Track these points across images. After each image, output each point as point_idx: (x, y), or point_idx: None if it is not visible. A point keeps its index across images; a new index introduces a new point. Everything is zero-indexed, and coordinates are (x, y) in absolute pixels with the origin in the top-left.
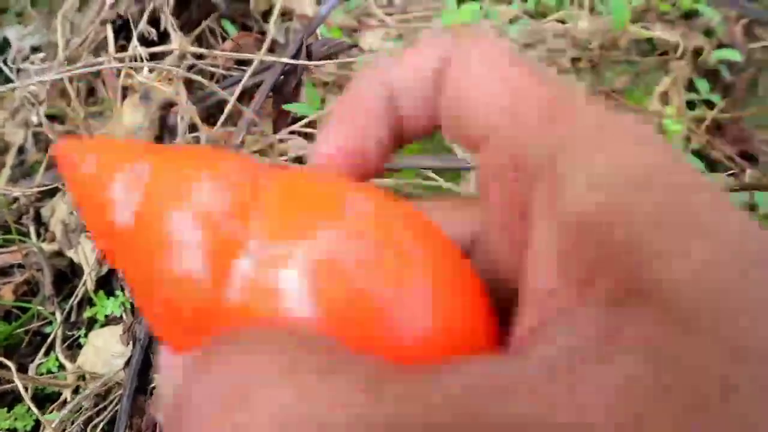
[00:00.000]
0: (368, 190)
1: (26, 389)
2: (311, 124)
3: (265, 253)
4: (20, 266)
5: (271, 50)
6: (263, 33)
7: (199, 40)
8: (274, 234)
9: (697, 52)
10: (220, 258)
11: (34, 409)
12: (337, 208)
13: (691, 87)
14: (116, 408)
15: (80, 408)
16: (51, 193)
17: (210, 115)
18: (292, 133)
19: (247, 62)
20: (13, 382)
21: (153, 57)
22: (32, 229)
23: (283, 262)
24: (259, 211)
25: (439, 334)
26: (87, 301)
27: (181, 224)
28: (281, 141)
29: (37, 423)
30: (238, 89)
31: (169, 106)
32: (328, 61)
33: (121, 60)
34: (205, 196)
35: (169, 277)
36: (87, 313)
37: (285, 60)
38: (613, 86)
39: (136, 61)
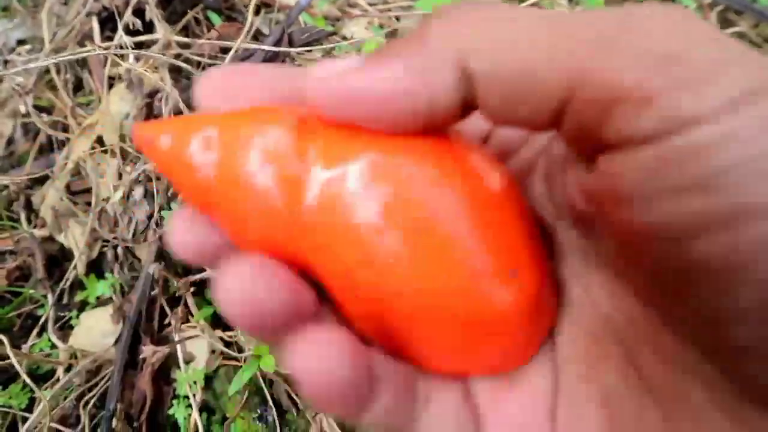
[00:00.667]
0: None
1: (21, 367)
2: None
3: (324, 174)
4: (12, 252)
5: (255, 39)
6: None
7: (186, 31)
8: (329, 160)
9: None
10: (290, 183)
11: (30, 383)
12: (372, 136)
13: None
14: (107, 384)
15: (72, 385)
16: (41, 180)
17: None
18: None
19: (227, 51)
20: (7, 358)
21: (138, 47)
22: (23, 216)
23: (340, 177)
24: (313, 146)
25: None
26: (78, 285)
27: (255, 166)
28: None
29: (32, 401)
30: None
31: (155, 94)
32: (308, 48)
33: (107, 49)
34: (270, 141)
35: (254, 207)
36: (79, 297)
37: (266, 47)
38: None
39: (121, 49)
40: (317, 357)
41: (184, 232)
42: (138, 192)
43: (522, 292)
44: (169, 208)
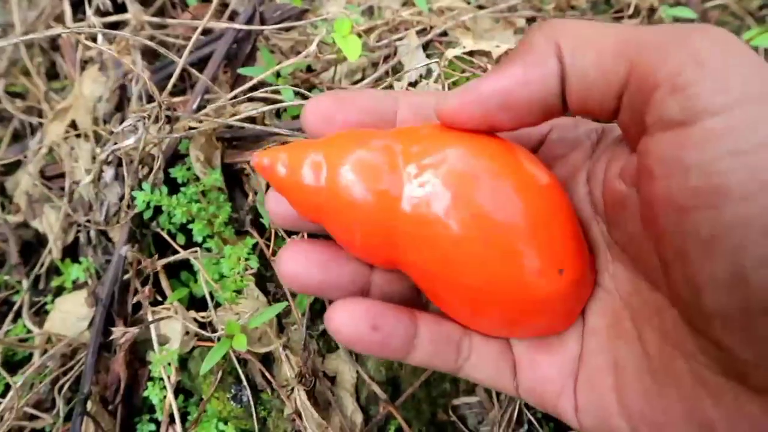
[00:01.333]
0: (468, 133)
1: None
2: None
3: (415, 181)
4: None
5: (231, 19)
6: (226, 5)
7: (162, 14)
8: (416, 174)
9: (652, 10)
10: (384, 196)
11: (1, 371)
12: (452, 149)
13: None
14: (82, 368)
15: (47, 370)
16: (15, 166)
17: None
18: (249, 96)
19: (207, 33)
20: None
21: (111, 29)
22: None
23: (428, 181)
24: (402, 163)
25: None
26: (54, 271)
27: (355, 183)
28: (234, 104)
29: (7, 388)
30: (186, 52)
31: (128, 77)
32: (278, 26)
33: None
34: (366, 161)
35: (357, 218)
36: (55, 282)
37: (237, 26)
38: None
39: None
40: (339, 321)
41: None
42: (109, 173)
43: (566, 284)
44: (140, 189)
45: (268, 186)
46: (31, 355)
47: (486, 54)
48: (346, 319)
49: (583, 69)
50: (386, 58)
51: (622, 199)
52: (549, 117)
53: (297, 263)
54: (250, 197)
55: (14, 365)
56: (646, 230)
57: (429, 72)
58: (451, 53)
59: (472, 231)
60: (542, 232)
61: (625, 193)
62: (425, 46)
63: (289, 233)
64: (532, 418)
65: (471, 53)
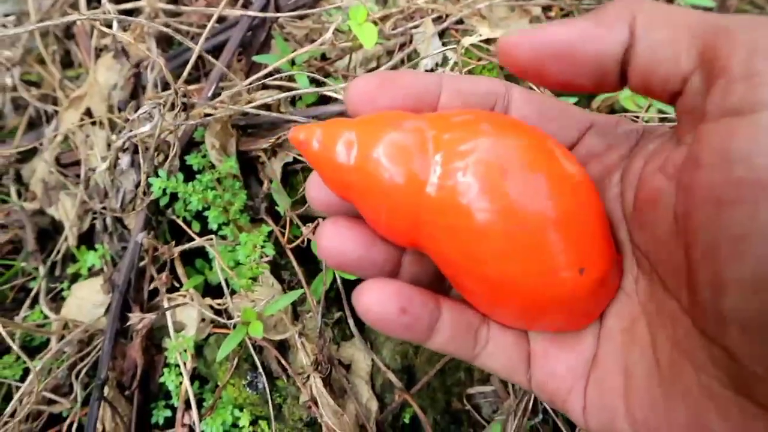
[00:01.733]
0: (502, 121)
1: (13, 339)
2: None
3: (444, 168)
4: (3, 226)
5: (245, 7)
6: None
7: (176, 1)
8: (444, 159)
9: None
10: (413, 177)
11: (20, 352)
12: (483, 138)
13: None
14: (99, 353)
15: (65, 355)
16: (31, 154)
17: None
18: (264, 84)
19: (222, 21)
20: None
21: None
22: (13, 190)
23: (456, 169)
24: (432, 146)
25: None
26: (70, 258)
27: (385, 163)
28: (249, 92)
29: (26, 372)
30: (202, 38)
31: (142, 63)
32: (293, 13)
33: (93, 18)
34: (397, 142)
35: (385, 197)
36: (71, 269)
37: (251, 13)
38: None
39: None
40: (368, 301)
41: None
42: (125, 160)
43: (588, 283)
44: (156, 176)
45: (283, 174)
46: (48, 340)
47: None
48: (375, 300)
49: (655, 44)
50: (402, 46)
51: (656, 195)
52: (600, 86)
53: (336, 239)
54: (265, 185)
55: (32, 350)
56: (678, 225)
57: (445, 60)
58: (467, 41)
59: (496, 223)
60: (568, 229)
61: (661, 188)
62: (441, 34)
63: (305, 222)
64: (548, 408)
65: (488, 41)
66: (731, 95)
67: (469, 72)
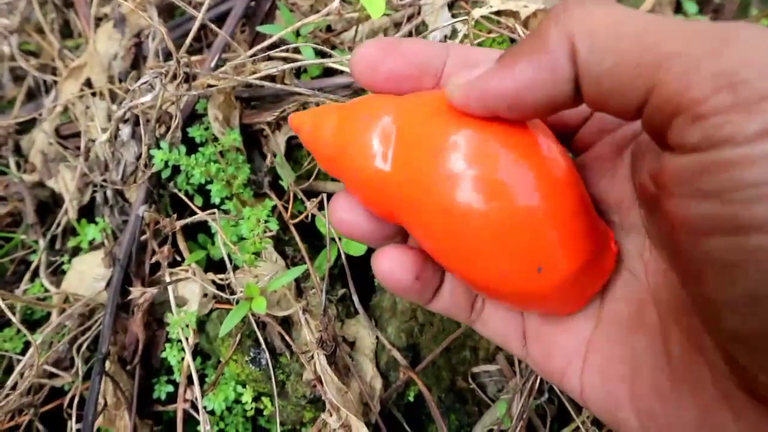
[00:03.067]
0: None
1: (13, 314)
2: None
3: (421, 151)
4: (2, 198)
5: None
6: None
7: None
8: (425, 140)
9: None
10: (390, 157)
11: (20, 326)
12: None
13: (678, 8)
14: (100, 328)
15: (66, 329)
16: (30, 124)
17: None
18: (268, 55)
19: None
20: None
21: None
22: (12, 161)
23: (434, 155)
24: (410, 128)
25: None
26: (71, 231)
27: (371, 142)
28: (253, 63)
29: (27, 345)
30: (204, 6)
31: (143, 33)
32: None
33: None
34: (374, 123)
35: (354, 174)
36: (71, 243)
37: None
38: None
39: None
40: (389, 267)
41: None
42: (125, 132)
43: (570, 273)
44: (158, 148)
45: (287, 149)
46: (49, 314)
47: (514, 14)
48: (393, 267)
49: (599, 77)
50: (410, 18)
51: (651, 197)
52: (559, 111)
53: (350, 211)
54: (269, 159)
55: (33, 324)
56: (662, 246)
57: (454, 32)
58: (477, 13)
59: (471, 216)
60: (526, 228)
61: (654, 193)
62: (450, 6)
63: (309, 197)
64: (555, 387)
65: (498, 13)
66: (689, 135)
67: (479, 45)
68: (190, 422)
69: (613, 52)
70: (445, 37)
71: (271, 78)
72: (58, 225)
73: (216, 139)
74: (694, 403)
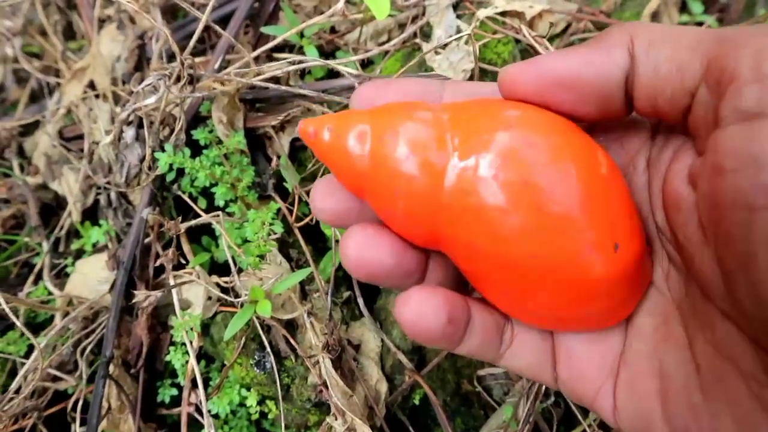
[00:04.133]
0: (521, 105)
1: (17, 316)
2: (290, 48)
3: (460, 163)
4: (6, 201)
5: None
6: None
7: None
8: (463, 150)
9: None
10: (431, 170)
11: (24, 329)
12: (505, 122)
13: (684, 8)
14: (103, 331)
15: (70, 332)
16: (33, 126)
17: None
18: (272, 57)
19: None
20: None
21: None
22: (15, 164)
23: (473, 165)
24: (450, 137)
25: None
26: (74, 233)
27: (402, 155)
28: (258, 62)
29: (30, 348)
30: (209, 7)
31: (146, 35)
32: None
33: None
34: (413, 133)
35: (401, 190)
36: (75, 245)
37: None
38: (601, 7)
39: None
40: (417, 312)
41: (323, 199)
42: (129, 134)
43: (623, 264)
44: (162, 150)
45: (291, 151)
46: (52, 317)
47: (519, 15)
48: (423, 311)
49: (657, 63)
50: (414, 19)
51: (678, 201)
52: (606, 113)
53: (367, 249)
54: (274, 161)
55: (36, 327)
56: (706, 235)
57: (459, 33)
58: (482, 13)
59: (521, 202)
60: (597, 205)
61: (683, 195)
62: (455, 6)
63: None
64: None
65: (503, 14)
66: (745, 100)
67: (484, 46)
68: (195, 426)
69: (671, 42)
70: (450, 38)
71: (276, 80)
72: (62, 227)
73: (220, 141)
74: (732, 419)
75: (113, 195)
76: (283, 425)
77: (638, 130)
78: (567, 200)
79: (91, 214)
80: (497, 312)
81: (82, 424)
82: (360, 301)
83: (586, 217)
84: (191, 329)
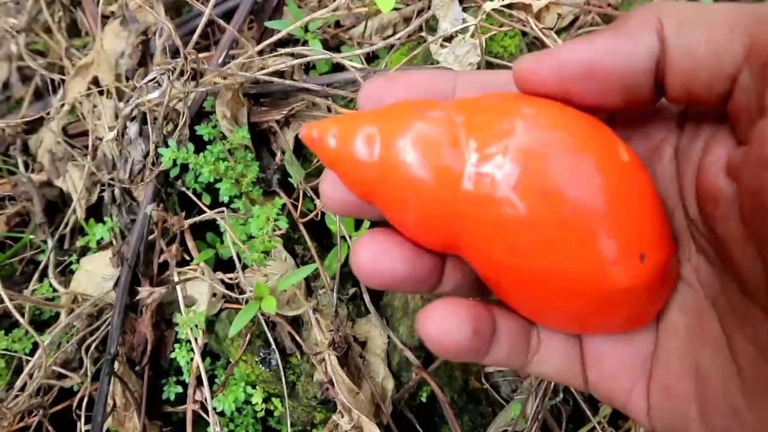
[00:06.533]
0: (539, 101)
1: (22, 314)
2: (294, 43)
3: (480, 155)
4: (11, 198)
5: None
6: None
7: None
8: (480, 150)
9: None
10: (445, 172)
11: (27, 326)
12: (523, 123)
13: None
14: (108, 328)
15: (73, 329)
16: (37, 123)
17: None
18: (275, 51)
19: None
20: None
21: None
22: (20, 161)
23: (491, 167)
24: (464, 137)
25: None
26: (79, 231)
27: (413, 157)
28: (261, 56)
29: (35, 346)
30: (212, 2)
31: (149, 30)
32: None
33: None
34: (424, 134)
35: (413, 195)
36: (79, 242)
37: None
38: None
39: None
40: (440, 328)
41: (333, 188)
42: (133, 130)
43: (648, 273)
44: (165, 146)
45: (296, 146)
46: (57, 314)
47: (526, 7)
48: (448, 325)
49: (690, 46)
50: (420, 12)
51: (716, 194)
52: (633, 102)
53: (380, 257)
54: (278, 156)
55: (41, 324)
56: (748, 231)
57: (465, 26)
58: (489, 6)
59: (542, 211)
60: (622, 213)
61: (721, 188)
62: None
63: (318, 195)
64: (571, 388)
65: (510, 6)
66: None
67: (491, 39)
68: (200, 423)
69: (705, 20)
70: (456, 31)
71: (280, 74)
72: (66, 224)
73: (224, 136)
74: None
75: (117, 191)
76: (288, 423)
77: (664, 117)
78: (591, 211)
79: (95, 211)
80: (522, 316)
81: (87, 422)
82: (366, 297)
83: (610, 228)
84: (196, 326)
